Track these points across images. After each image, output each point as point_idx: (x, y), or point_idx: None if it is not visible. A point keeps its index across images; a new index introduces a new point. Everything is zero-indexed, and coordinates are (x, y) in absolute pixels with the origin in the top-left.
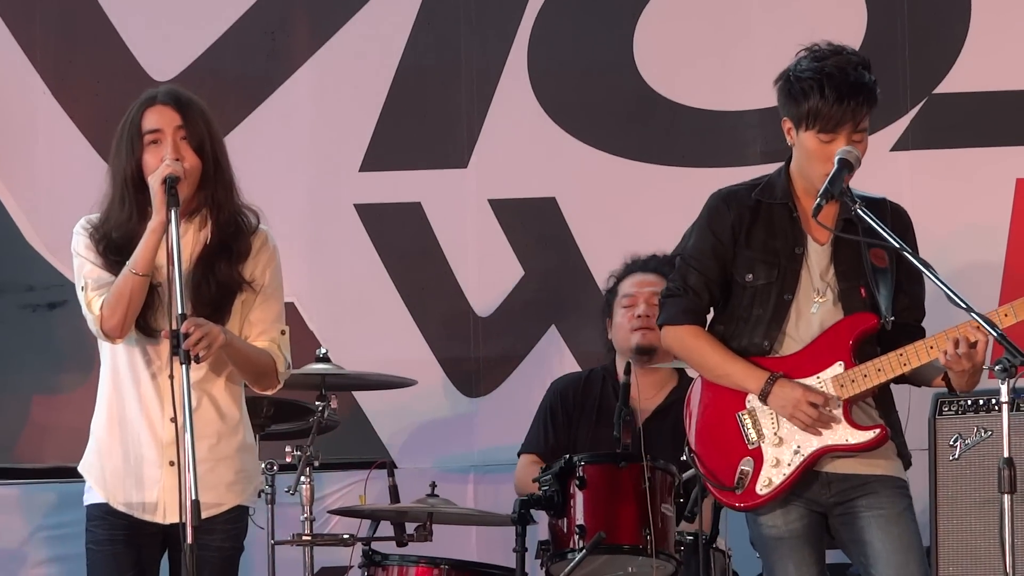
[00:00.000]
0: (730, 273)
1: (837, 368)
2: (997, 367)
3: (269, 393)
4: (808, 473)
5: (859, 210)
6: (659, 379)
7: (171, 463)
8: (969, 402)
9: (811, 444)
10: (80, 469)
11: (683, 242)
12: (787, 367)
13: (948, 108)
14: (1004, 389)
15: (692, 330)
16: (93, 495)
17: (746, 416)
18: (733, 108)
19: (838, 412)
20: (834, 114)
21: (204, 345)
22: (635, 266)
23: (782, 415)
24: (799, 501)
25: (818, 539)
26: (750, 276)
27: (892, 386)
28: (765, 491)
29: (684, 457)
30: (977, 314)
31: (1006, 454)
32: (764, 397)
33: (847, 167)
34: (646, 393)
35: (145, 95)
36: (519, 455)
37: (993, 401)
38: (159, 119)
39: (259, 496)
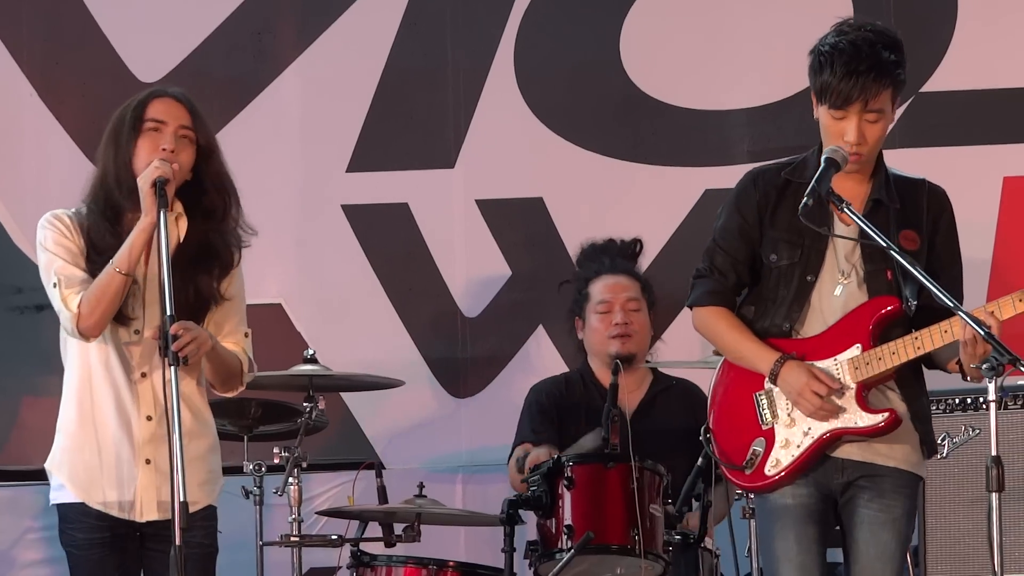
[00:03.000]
0: (758, 253)
1: (854, 351)
2: (985, 365)
3: (231, 395)
4: (821, 456)
5: (847, 210)
6: (638, 376)
7: (147, 461)
8: (957, 401)
9: (821, 426)
10: (47, 467)
11: (715, 223)
12: (806, 349)
13: (935, 106)
14: (992, 387)
15: (715, 311)
16: (65, 494)
17: (763, 396)
18: (720, 107)
19: (849, 395)
20: (842, 89)
21: (193, 348)
22: (603, 267)
23: (789, 399)
24: (808, 481)
25: (824, 521)
26: (774, 256)
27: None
28: (773, 472)
29: (700, 437)
30: (964, 312)
31: (994, 452)
32: (773, 378)
33: (833, 166)
34: (628, 389)
35: (154, 88)
36: (511, 453)
37: (981, 400)
38: (166, 110)
39: (247, 497)
